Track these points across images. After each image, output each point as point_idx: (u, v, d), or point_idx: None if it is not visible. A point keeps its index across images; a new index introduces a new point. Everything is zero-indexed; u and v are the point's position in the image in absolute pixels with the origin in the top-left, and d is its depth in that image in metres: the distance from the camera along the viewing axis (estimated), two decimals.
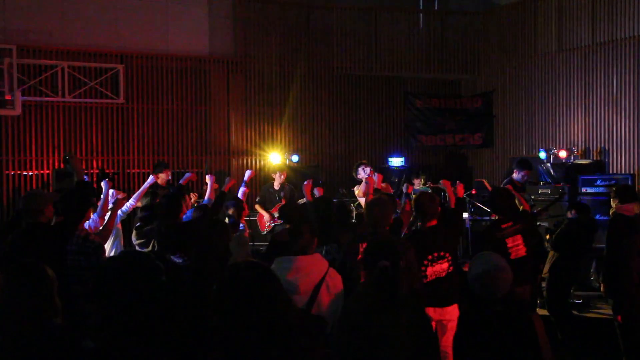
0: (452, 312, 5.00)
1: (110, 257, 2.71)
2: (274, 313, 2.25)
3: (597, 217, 8.58)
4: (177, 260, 5.37)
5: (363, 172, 8.25)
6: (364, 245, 4.90)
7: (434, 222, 5.22)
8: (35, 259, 3.00)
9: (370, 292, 3.55)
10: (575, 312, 7.44)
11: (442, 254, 5.05)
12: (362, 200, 7.67)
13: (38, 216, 4.87)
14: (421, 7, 14.65)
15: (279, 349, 2.21)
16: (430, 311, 5.00)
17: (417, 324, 3.48)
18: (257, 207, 9.72)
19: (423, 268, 5.03)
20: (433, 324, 5.02)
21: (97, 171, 10.55)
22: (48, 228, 4.93)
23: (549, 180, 10.88)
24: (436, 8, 14.77)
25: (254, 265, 2.41)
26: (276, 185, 9.77)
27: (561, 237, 7.24)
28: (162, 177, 9.31)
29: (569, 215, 7.46)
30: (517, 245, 5.73)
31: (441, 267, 5.04)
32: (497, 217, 5.90)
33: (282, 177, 9.79)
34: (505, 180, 8.66)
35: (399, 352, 3.38)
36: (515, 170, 8.78)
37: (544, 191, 9.59)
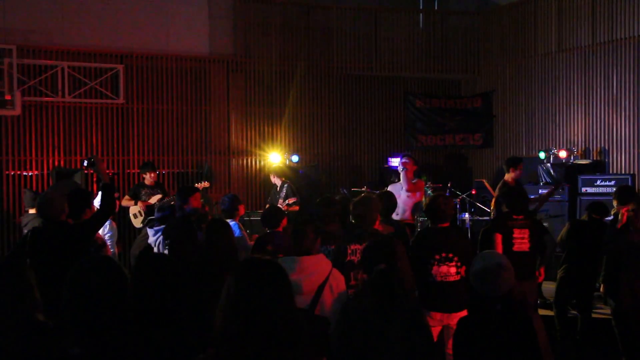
0: (459, 318, 5.00)
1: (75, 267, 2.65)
2: (284, 312, 2.23)
3: None
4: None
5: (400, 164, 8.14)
6: (352, 247, 4.92)
7: (446, 224, 5.24)
8: (22, 258, 3.00)
9: (369, 293, 3.57)
10: (574, 312, 7.44)
11: (450, 255, 5.03)
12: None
13: (60, 216, 5.03)
14: (421, 7, 14.65)
15: (282, 349, 2.20)
16: (437, 315, 4.99)
17: (413, 326, 3.49)
18: None
19: (429, 267, 5.03)
20: (439, 327, 5.01)
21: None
22: (70, 226, 5.02)
23: (549, 180, 10.89)
24: (436, 8, 14.77)
25: (268, 261, 2.38)
26: (278, 187, 9.97)
27: (565, 239, 7.27)
28: (148, 178, 9.44)
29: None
30: (522, 238, 5.86)
31: (448, 270, 5.02)
32: (508, 210, 6.08)
33: (275, 178, 10.08)
34: (500, 185, 8.46)
35: (395, 353, 3.39)
36: (507, 171, 8.51)
37: (544, 191, 9.60)
